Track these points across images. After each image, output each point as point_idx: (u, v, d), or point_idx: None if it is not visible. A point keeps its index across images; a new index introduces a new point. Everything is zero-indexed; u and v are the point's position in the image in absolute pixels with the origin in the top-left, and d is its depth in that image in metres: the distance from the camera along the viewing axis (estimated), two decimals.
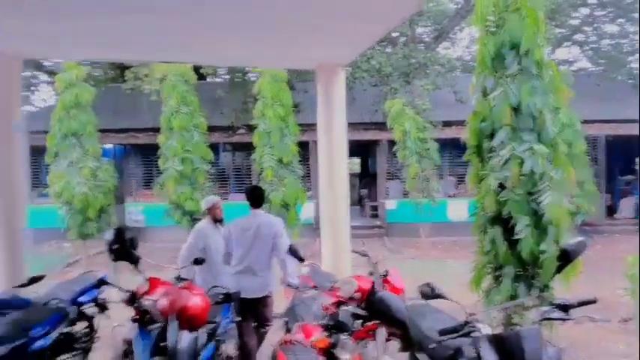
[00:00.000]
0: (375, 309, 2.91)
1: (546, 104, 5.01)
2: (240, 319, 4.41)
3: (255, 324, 4.57)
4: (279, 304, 4.76)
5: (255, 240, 4.54)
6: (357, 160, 18.99)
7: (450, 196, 14.81)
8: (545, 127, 4.98)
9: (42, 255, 12.36)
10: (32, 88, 21.21)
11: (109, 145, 14.80)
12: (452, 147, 14.40)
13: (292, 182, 10.35)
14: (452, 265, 10.48)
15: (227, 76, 18.04)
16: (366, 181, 18.30)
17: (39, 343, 3.65)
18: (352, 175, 16.30)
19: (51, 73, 19.04)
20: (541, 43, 5.00)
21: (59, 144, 10.52)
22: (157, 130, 11.69)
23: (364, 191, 17.73)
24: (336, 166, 6.11)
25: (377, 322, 3.32)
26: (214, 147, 13.08)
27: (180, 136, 10.94)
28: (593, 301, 2.57)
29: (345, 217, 6.13)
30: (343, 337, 3.21)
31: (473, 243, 5.47)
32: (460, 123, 9.54)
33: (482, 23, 5.10)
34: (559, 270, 2.84)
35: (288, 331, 4.11)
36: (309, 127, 11.31)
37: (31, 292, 4.47)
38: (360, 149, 17.95)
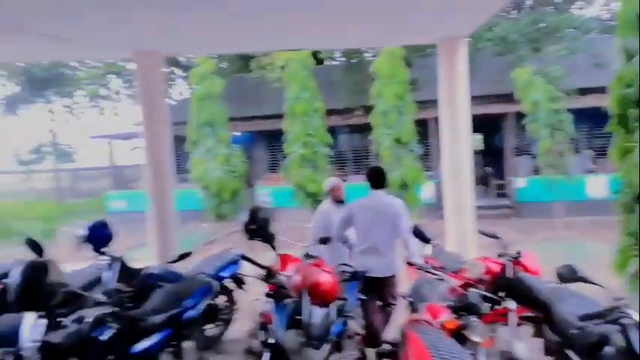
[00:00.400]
0: (513, 291, 2.79)
1: None
2: (365, 297, 4.52)
3: (380, 303, 4.65)
4: (403, 284, 4.78)
5: (375, 220, 4.58)
6: (479, 137, 18.05)
7: (587, 172, 13.46)
8: None
9: (184, 234, 13.72)
10: (170, 82, 23.37)
11: (237, 133, 15.83)
12: (589, 117, 13.00)
13: (410, 162, 10.21)
14: (591, 246, 9.58)
15: (343, 59, 18.19)
16: (490, 158, 17.34)
17: (190, 313, 4.10)
18: (475, 153, 15.57)
19: (186, 68, 20.83)
20: None
21: (196, 133, 11.55)
22: (280, 116, 12.26)
23: (489, 169, 16.83)
24: (459, 143, 5.91)
25: (507, 305, 3.21)
26: (333, 130, 13.36)
27: (302, 121, 11.36)
28: None
29: (470, 197, 5.93)
30: (473, 319, 3.14)
31: (615, 223, 4.96)
32: (599, 90, 8.58)
33: None
34: None
35: (413, 311, 4.13)
36: (428, 104, 11.02)
37: (181, 267, 5.04)
38: (484, 124, 16.94)
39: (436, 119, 6.36)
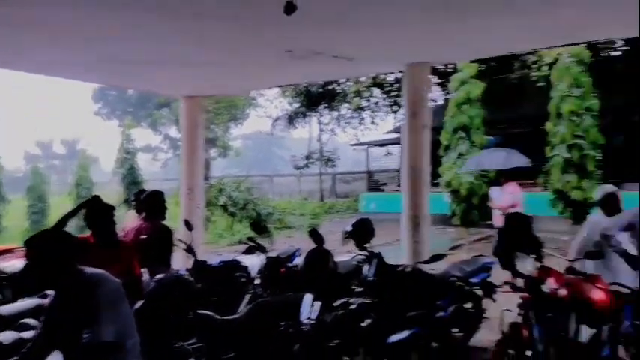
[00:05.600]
0: None
1: None
2: None
3: None
4: None
5: None
6: None
7: None
8: None
9: (430, 237, 13.88)
10: None
11: (493, 137, 15.24)
12: None
13: None
14: None
15: (626, 48, 15.57)
16: None
17: (440, 314, 4.18)
18: None
19: (441, 74, 21.05)
20: None
21: (450, 138, 11.61)
22: (540, 118, 11.31)
23: None
24: None
25: None
26: (608, 130, 11.62)
27: (569, 122, 10.26)
28: None
29: None
30: None
31: None
32: None
33: None
34: None
35: None
36: None
37: (429, 269, 5.15)
38: None
39: None
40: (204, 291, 4.42)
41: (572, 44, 9.73)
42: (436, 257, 4.81)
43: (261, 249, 5.04)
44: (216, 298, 4.49)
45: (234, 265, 5.08)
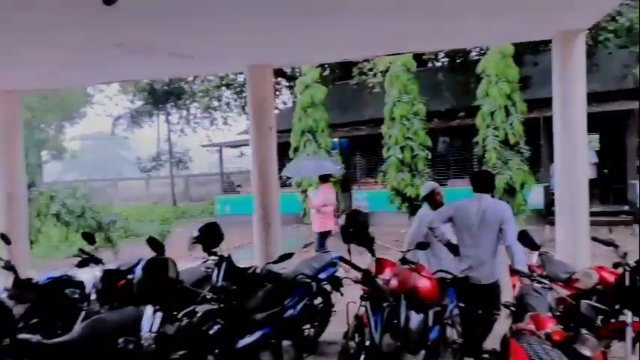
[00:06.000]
0: (633, 303, 2.56)
1: None
2: (464, 305, 4.37)
3: (481, 312, 4.46)
4: (505, 293, 4.56)
5: (481, 225, 4.41)
6: (594, 137, 16.56)
7: None
8: None
9: (283, 236, 14.24)
10: (276, 92, 24.40)
11: (336, 139, 16.12)
12: None
13: (518, 164, 9.67)
14: None
15: (447, 59, 17.70)
16: (608, 160, 15.82)
17: (290, 312, 4.27)
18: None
19: (290, 78, 21.64)
20: None
21: (298, 140, 11.98)
22: (379, 121, 12.27)
23: (606, 172, 15.36)
24: (574, 144, 5.49)
25: (625, 319, 2.94)
26: (434, 133, 13.05)
27: (401, 125, 11.28)
28: None
29: (585, 202, 5.48)
30: (584, 332, 2.93)
31: None
32: None
33: None
34: None
35: (516, 320, 3.92)
36: (539, 103, 10.34)
37: (281, 268, 5.25)
38: (602, 123, 15.55)
39: (547, 119, 5.95)
40: (28, 312, 3.95)
41: (399, 53, 10.76)
42: (285, 257, 4.91)
43: (96, 261, 4.63)
44: (45, 319, 4.05)
45: (64, 281, 4.59)
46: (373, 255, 4.00)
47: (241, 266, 4.91)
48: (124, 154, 46.55)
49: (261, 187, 6.17)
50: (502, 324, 4.15)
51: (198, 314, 3.42)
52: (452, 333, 4.33)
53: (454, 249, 4.65)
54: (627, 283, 3.40)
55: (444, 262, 4.96)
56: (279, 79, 23.31)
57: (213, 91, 21.93)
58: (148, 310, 3.33)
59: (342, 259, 4.07)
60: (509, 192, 9.59)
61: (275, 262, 4.98)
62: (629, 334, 2.92)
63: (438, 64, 19.09)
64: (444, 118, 15.13)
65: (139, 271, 3.50)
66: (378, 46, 6.44)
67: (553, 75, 5.66)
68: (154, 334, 3.18)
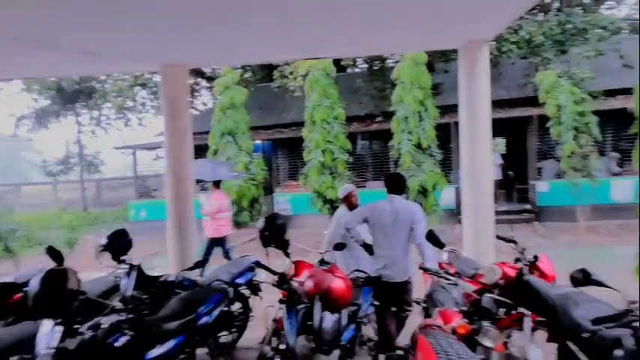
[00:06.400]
0: (521, 294, 2.74)
1: None
2: (379, 303, 4.49)
3: (395, 309, 4.61)
4: (418, 290, 4.73)
5: (393, 225, 4.55)
6: (501, 141, 17.79)
7: (613, 175, 13.12)
8: None
9: (203, 241, 13.88)
10: (195, 93, 23.78)
11: (258, 141, 16.00)
12: (616, 119, 12.69)
13: (430, 167, 10.14)
14: (616, 251, 9.31)
15: (365, 66, 18.21)
16: (513, 162, 17.08)
17: (204, 320, 4.14)
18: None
19: (210, 79, 21.18)
20: None
21: (218, 142, 11.73)
22: (301, 124, 12.33)
23: (511, 173, 16.57)
24: (479, 147, 5.83)
25: (523, 310, 3.15)
26: (353, 136, 13.33)
27: (322, 129, 11.40)
28: None
29: (489, 202, 5.83)
30: (486, 324, 3.09)
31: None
32: (628, 91, 8.34)
33: None
34: None
35: (427, 316, 4.08)
36: (450, 108, 10.91)
37: (197, 275, 5.10)
38: (507, 128, 16.78)
39: (457, 124, 6.27)
40: None
41: (317, 58, 10.91)
42: (200, 263, 4.77)
43: None
44: None
45: None
46: (288, 257, 3.99)
47: (154, 274, 4.72)
48: (28, 157, 43.18)
49: (176, 191, 5.96)
50: (418, 321, 4.31)
51: (103, 326, 3.22)
52: (367, 331, 4.42)
53: (369, 249, 4.76)
54: (524, 277, 3.65)
55: (361, 261, 5.07)
56: (199, 79, 22.77)
57: (127, 91, 20.96)
58: (46, 324, 3.08)
59: (257, 263, 4.02)
60: (423, 193, 10.02)
61: (190, 269, 4.83)
62: (528, 324, 3.12)
63: (357, 70, 19.61)
64: (362, 122, 15.53)
65: (34, 283, 3.23)
66: (296, 51, 6.47)
67: (460, 82, 5.97)
68: (52, 350, 2.95)
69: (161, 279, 4.63)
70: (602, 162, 11.79)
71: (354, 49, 7.45)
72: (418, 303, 4.61)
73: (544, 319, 3.10)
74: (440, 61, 15.08)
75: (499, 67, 14.88)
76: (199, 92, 24.31)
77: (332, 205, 11.00)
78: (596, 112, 10.95)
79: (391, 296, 4.54)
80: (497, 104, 13.08)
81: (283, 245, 3.99)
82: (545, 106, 11.06)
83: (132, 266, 4.51)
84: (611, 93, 12.90)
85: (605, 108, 12.12)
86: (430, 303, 4.19)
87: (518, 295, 2.80)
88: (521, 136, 15.69)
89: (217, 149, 11.77)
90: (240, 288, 5.07)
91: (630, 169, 12.80)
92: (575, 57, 13.52)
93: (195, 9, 4.10)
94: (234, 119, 11.67)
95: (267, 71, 19.59)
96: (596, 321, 2.41)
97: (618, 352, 2.31)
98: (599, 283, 2.51)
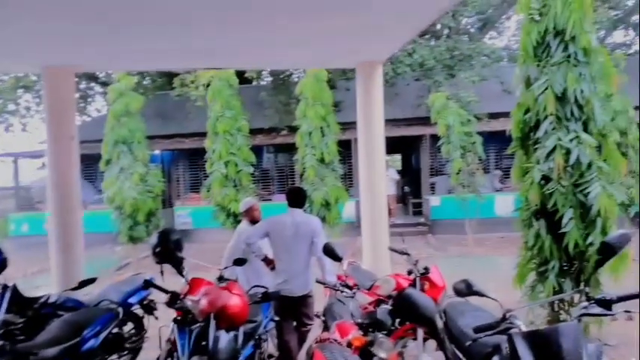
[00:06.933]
0: (401, 307, 2.87)
1: (594, 92, 4.79)
2: (279, 318, 4.46)
3: (296, 323, 4.60)
4: (319, 304, 4.77)
5: (294, 239, 4.57)
6: (398, 157, 18.75)
7: (497, 191, 14.39)
8: (592, 116, 4.76)
9: (96, 258, 12.96)
10: (88, 99, 22.26)
11: (157, 151, 15.33)
12: (498, 140, 13.96)
13: (333, 181, 10.38)
14: (499, 261, 10.17)
15: (271, 79, 18.28)
16: (409, 178, 18.06)
17: (90, 344, 3.83)
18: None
19: (104, 84, 19.95)
20: (588, 29, 4.78)
21: (111, 151, 11.02)
22: (203, 134, 11.99)
23: (407, 188, 17.51)
24: (374, 163, 6.08)
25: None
26: (258, 149, 13.28)
27: (225, 140, 11.17)
28: (635, 296, 2.43)
29: (384, 215, 6.08)
30: (380, 335, 3.18)
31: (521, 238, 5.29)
32: (507, 115, 9.18)
33: (526, 11, 4.96)
34: (601, 264, 2.70)
35: (326, 329, 4.12)
36: (351, 125, 11.27)
37: (84, 295, 4.71)
38: (403, 145, 17.76)
39: (357, 140, 6.51)
40: None
41: (218, 68, 10.77)
42: (86, 282, 4.42)
43: None
44: None
45: None
46: (182, 275, 3.82)
47: (33, 295, 4.28)
48: None
49: (60, 203, 5.49)
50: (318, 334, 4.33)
51: None
52: (267, 347, 4.36)
53: (271, 263, 4.73)
54: (417, 288, 3.83)
55: (263, 277, 5.02)
56: (92, 84, 21.39)
57: (9, 93, 19.08)
58: None
59: (147, 282, 3.80)
60: (326, 206, 10.20)
61: (75, 289, 4.45)
62: (420, 334, 3.26)
63: (263, 82, 19.64)
64: (268, 135, 15.53)
65: None
66: (195, 60, 6.34)
67: (358, 100, 6.22)
68: None
69: (41, 300, 4.22)
70: (487, 179, 12.85)
71: (256, 61, 7.47)
72: (319, 317, 4.64)
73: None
74: (341, 79, 15.59)
75: (395, 88, 15.73)
76: (93, 98, 22.81)
77: (235, 218, 10.76)
78: (480, 133, 11.92)
79: (292, 310, 4.54)
80: (393, 123, 13.82)
81: (177, 262, 3.82)
82: (436, 126, 11.84)
83: (5, 287, 4.06)
84: (493, 115, 14.16)
85: (489, 129, 13.26)
86: (329, 316, 4.24)
87: (399, 308, 2.93)
88: (416, 153, 16.67)
89: (110, 159, 11.05)
90: (132, 308, 4.77)
91: (510, 185, 14.12)
92: (462, 81, 14.69)
93: (80, 8, 3.85)
94: (129, 127, 11.03)
95: (167, 79, 18.92)
96: (478, 329, 2.58)
97: (495, 359, 2.50)
98: (479, 293, 2.70)
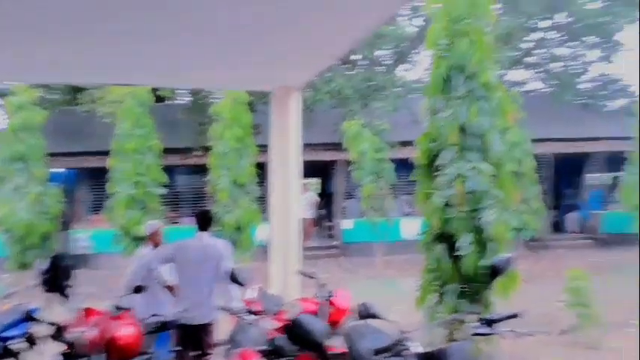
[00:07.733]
0: (294, 333, 2.85)
1: (493, 124, 5.15)
2: (179, 348, 4.23)
3: (198, 353, 4.39)
4: (224, 331, 4.60)
5: (200, 264, 4.41)
6: (314, 181, 18.99)
7: (404, 215, 14.96)
8: (490, 147, 5.10)
9: None
10: None
11: (61, 169, 14.29)
12: (408, 166, 14.55)
13: (247, 204, 10.24)
14: (406, 283, 10.51)
15: (188, 98, 17.85)
16: (323, 201, 18.29)
17: None
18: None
19: (2, 95, 18.39)
20: (488, 66, 5.15)
21: (5, 169, 10.12)
22: (109, 153, 11.38)
23: (322, 211, 17.71)
24: (289, 186, 6.05)
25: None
26: (170, 170, 12.80)
27: (133, 159, 10.67)
28: (515, 315, 2.60)
29: (297, 239, 6.05)
30: None
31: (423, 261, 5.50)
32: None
33: (434, 47, 5.25)
34: (488, 284, 2.87)
35: (228, 358, 3.96)
36: (268, 148, 11.24)
37: None
38: (319, 170, 17.98)
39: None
40: None
41: (130, 85, 10.39)
42: None
43: None
44: None
45: None
46: (68, 305, 3.52)
47: None
48: None
49: None
50: None
51: None
52: None
53: (172, 290, 4.50)
54: (321, 312, 3.82)
55: (165, 305, 4.76)
56: None
57: None
58: None
59: (28, 315, 3.45)
60: (238, 229, 10.01)
61: None
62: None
63: (181, 101, 19.13)
64: (180, 155, 15.04)
65: None
66: (103, 75, 6.02)
67: (272, 124, 6.21)
68: None
69: None
70: (396, 203, 13.32)
71: (170, 80, 7.24)
72: (222, 344, 4.46)
73: (338, 353, 3.24)
74: (261, 102, 15.59)
75: (314, 114, 16.01)
76: None
77: (140, 243, 10.23)
78: (392, 160, 12.41)
79: (192, 340, 4.32)
80: (312, 147, 14.00)
81: (63, 291, 3.51)
82: (350, 152, 12.17)
83: None
84: (404, 144, 14.80)
85: (400, 156, 13.82)
86: (233, 344, 4.09)
87: (292, 335, 2.91)
88: (332, 177, 16.96)
89: (4, 177, 10.12)
90: (8, 342, 4.27)
91: (416, 210, 14.74)
92: (376, 110, 15.27)
93: None
94: (27, 144, 10.20)
95: (74, 94, 17.85)
96: (376, 352, 2.60)
97: None
98: (377, 316, 2.74)
